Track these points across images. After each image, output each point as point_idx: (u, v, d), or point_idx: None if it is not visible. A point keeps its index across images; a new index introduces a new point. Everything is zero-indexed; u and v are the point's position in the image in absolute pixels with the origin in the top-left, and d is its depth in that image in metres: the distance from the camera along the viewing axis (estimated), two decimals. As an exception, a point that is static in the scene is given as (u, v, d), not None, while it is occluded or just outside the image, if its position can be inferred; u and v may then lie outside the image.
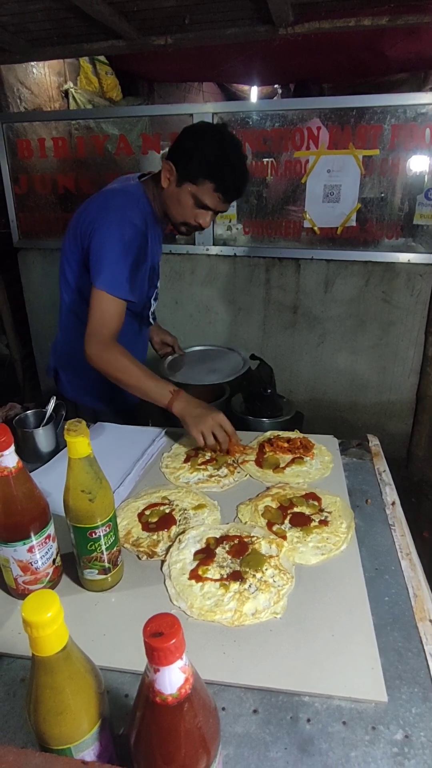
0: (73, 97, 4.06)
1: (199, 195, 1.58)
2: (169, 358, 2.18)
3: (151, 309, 1.93)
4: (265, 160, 2.82)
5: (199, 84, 5.96)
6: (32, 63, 3.63)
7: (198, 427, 1.47)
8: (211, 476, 1.42)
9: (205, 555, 1.08)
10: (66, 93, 4.07)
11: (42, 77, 3.80)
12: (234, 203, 2.89)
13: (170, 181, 1.61)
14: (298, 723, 0.78)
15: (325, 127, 2.66)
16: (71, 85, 4.09)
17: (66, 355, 1.88)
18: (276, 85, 6.29)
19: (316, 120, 2.66)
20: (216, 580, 1.02)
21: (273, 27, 2.38)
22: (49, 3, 2.19)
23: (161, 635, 0.52)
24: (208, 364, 2.17)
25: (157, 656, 0.51)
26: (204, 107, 2.76)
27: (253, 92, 6.51)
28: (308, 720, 0.78)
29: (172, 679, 0.53)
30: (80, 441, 0.88)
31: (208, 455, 1.51)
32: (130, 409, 1.98)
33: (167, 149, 1.65)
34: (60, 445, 1.56)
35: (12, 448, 0.88)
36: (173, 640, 0.51)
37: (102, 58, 4.31)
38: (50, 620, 0.54)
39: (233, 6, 2.23)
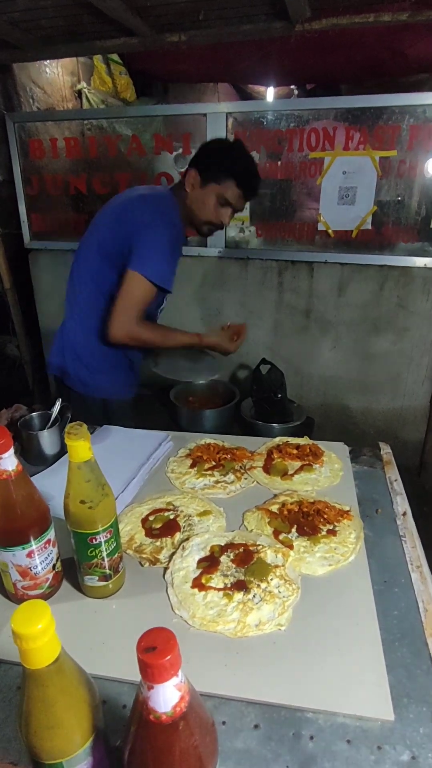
0: (87, 98, 4.04)
1: (222, 192, 1.84)
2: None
3: (162, 306, 2.07)
4: (279, 161, 2.79)
5: (215, 85, 5.93)
6: (45, 62, 3.62)
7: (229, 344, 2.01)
8: (217, 482, 1.39)
9: (209, 563, 1.06)
10: (79, 93, 4.05)
11: (55, 77, 3.79)
12: (247, 205, 2.89)
13: (194, 186, 1.86)
14: (301, 740, 0.75)
15: (342, 128, 2.62)
16: (84, 85, 4.07)
17: (83, 348, 1.94)
18: (292, 86, 6.26)
19: (331, 120, 2.63)
20: (219, 590, 0.99)
21: (289, 23, 2.34)
22: (61, -2, 2.17)
23: (155, 651, 0.49)
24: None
25: (150, 673, 0.49)
26: (218, 107, 2.72)
27: (269, 93, 6.47)
28: (311, 737, 0.76)
29: (166, 697, 0.51)
30: (80, 444, 0.87)
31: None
32: (138, 397, 2.13)
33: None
34: (65, 448, 1.55)
35: (11, 451, 0.86)
36: (168, 657, 0.49)
37: (116, 57, 4.29)
38: (40, 632, 0.52)
39: (248, 2, 2.21)
